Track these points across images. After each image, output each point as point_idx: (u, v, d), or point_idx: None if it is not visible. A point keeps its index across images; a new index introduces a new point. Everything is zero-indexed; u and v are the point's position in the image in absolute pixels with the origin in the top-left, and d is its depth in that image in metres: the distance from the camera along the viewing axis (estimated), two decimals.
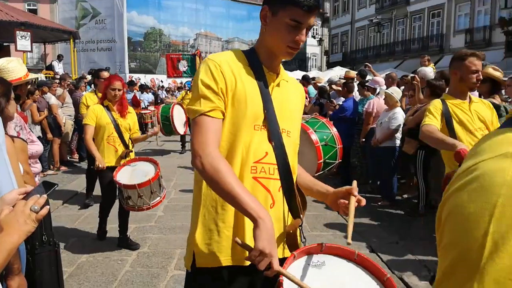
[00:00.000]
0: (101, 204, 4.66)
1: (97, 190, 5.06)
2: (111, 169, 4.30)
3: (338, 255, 1.48)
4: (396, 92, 6.21)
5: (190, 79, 14.18)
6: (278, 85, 1.61)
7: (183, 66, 13.56)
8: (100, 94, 6.19)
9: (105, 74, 6.03)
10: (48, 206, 1.41)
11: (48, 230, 2.53)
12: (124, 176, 4.14)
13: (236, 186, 1.34)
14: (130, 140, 4.56)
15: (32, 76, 3.30)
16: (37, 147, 2.50)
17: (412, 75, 6.98)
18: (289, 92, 1.67)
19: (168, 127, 10.00)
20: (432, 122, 3.24)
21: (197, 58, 12.91)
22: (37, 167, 2.59)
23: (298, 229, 1.59)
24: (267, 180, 1.51)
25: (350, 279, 1.41)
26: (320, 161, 4.67)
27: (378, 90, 7.01)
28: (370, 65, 8.70)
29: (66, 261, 4.14)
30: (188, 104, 1.55)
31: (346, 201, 1.55)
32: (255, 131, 1.50)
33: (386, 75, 7.98)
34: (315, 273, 1.40)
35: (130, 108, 4.66)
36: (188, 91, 10.47)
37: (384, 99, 6.21)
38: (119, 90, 4.39)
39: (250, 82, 1.52)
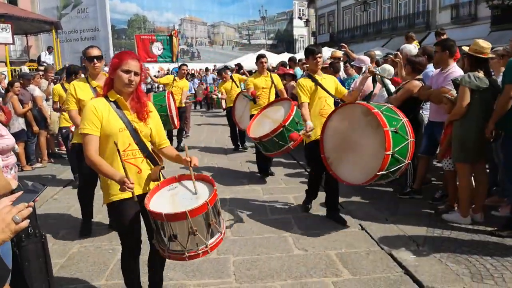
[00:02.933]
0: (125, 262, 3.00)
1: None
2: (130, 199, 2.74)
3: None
4: (384, 70, 6.20)
5: (169, 65, 12.99)
6: None
7: (157, 49, 12.39)
8: (85, 85, 5.61)
9: (95, 51, 4.31)
10: (29, 213, 1.39)
11: (33, 222, 2.51)
12: (162, 204, 2.65)
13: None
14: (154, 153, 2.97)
15: None
16: (7, 141, 2.47)
17: (395, 52, 6.97)
18: None
19: (163, 119, 7.52)
20: None
21: (174, 39, 11.85)
22: (9, 160, 2.56)
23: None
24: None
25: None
26: (388, 152, 3.61)
27: (364, 69, 7.00)
28: (345, 45, 8.67)
29: (58, 253, 4.14)
30: None
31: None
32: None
33: (364, 53, 8.01)
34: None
35: (151, 105, 2.96)
36: (175, 78, 9.68)
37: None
38: (136, 74, 2.69)
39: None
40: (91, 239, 4.50)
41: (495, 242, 4.06)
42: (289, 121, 4.75)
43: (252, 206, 5.46)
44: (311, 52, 4.78)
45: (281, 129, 4.72)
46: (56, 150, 9.50)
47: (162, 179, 2.87)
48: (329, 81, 4.87)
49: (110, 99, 2.71)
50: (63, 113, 6.58)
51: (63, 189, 6.64)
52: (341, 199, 5.55)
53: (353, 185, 4.46)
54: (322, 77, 4.85)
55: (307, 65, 5.45)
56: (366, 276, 3.55)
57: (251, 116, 6.71)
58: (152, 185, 2.80)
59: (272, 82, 7.20)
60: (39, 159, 8.47)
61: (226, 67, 11.81)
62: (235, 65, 16.74)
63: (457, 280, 3.36)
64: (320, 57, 4.76)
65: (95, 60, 4.32)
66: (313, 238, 4.38)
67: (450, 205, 4.90)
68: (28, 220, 1.39)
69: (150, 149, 2.82)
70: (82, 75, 9.86)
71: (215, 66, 24.59)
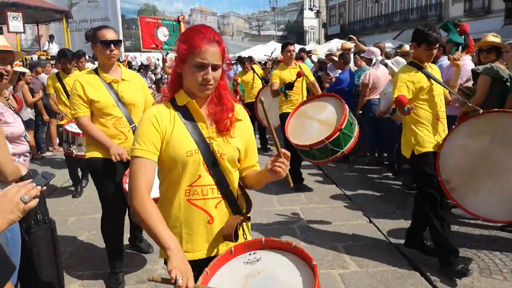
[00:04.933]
0: (105, 225, 3.45)
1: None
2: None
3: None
4: (398, 63, 6.14)
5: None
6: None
7: (162, 34, 10.27)
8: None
9: (111, 33, 3.18)
10: (37, 192, 1.38)
11: (42, 208, 2.55)
12: None
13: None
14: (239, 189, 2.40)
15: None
16: (12, 129, 2.48)
17: (408, 45, 6.89)
18: None
19: None
20: None
21: (182, 25, 10.06)
22: (21, 148, 2.57)
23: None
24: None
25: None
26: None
27: (374, 61, 6.93)
28: (354, 37, 8.56)
29: (66, 241, 4.18)
30: None
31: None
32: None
33: (373, 45, 7.94)
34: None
35: (240, 109, 2.04)
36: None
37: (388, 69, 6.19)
38: (215, 68, 1.77)
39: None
40: (99, 226, 4.53)
41: (504, 237, 4.03)
42: (345, 123, 3.99)
43: (260, 197, 5.47)
44: (425, 37, 3.36)
45: (338, 133, 3.94)
46: (48, 153, 8.52)
47: (242, 238, 1.82)
48: (437, 74, 3.63)
49: (178, 103, 1.76)
50: (60, 106, 5.90)
51: None
52: (348, 192, 5.55)
53: (492, 222, 3.83)
54: (431, 67, 3.61)
55: (411, 52, 4.43)
56: (373, 269, 3.54)
57: (283, 114, 5.61)
58: (223, 246, 1.79)
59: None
60: (49, 147, 8.55)
61: (250, 57, 10.44)
62: (238, 56, 16.53)
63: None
64: (436, 48, 3.45)
65: (111, 46, 3.12)
66: (321, 230, 4.37)
67: None
68: (37, 200, 1.37)
69: (233, 184, 1.81)
70: (89, 65, 8.93)
71: None
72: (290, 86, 5.35)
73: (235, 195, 1.82)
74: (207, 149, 1.72)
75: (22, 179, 2.26)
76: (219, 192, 1.75)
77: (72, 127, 4.66)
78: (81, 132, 4.63)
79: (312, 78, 5.94)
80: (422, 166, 3.46)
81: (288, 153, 1.63)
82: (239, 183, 1.87)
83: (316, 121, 4.39)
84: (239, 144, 1.81)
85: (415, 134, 3.47)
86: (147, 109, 3.12)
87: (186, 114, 1.75)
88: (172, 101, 1.78)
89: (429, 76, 3.46)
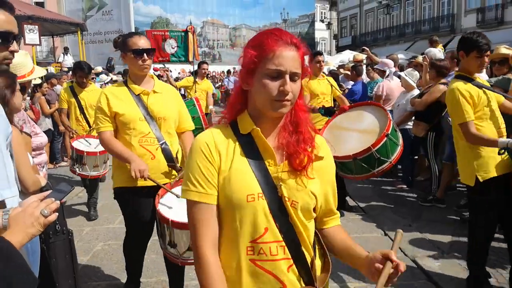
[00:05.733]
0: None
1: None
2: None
3: None
4: (411, 74, 6.13)
5: (189, 66, 10.41)
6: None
7: (170, 47, 9.85)
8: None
9: (143, 40, 2.80)
10: (57, 207, 1.38)
11: (60, 219, 2.56)
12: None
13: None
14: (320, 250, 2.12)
15: (38, 73, 3.21)
16: (41, 139, 2.52)
17: (421, 56, 6.89)
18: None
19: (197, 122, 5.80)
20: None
21: (190, 36, 9.72)
22: (42, 158, 2.62)
23: None
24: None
25: None
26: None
27: (387, 73, 6.93)
28: (367, 48, 8.56)
29: (82, 250, 4.20)
30: None
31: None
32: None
33: (387, 56, 7.94)
34: None
35: (321, 142, 1.53)
36: (196, 80, 8.07)
37: (401, 81, 6.19)
38: (294, 77, 1.30)
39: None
40: (115, 237, 4.57)
41: None
42: (391, 128, 3.64)
43: None
44: (474, 44, 3.04)
45: (385, 139, 3.56)
46: (63, 163, 8.30)
47: None
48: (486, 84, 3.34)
49: (241, 131, 1.36)
50: (72, 123, 5.60)
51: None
52: (362, 204, 5.51)
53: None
54: (480, 79, 3.29)
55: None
56: None
57: None
58: None
59: (331, 86, 5.42)
60: (64, 158, 8.65)
61: None
62: None
63: None
64: (487, 55, 3.12)
65: (144, 55, 2.74)
66: None
67: None
68: (57, 214, 1.37)
69: (306, 242, 1.36)
70: (102, 77, 8.64)
71: (234, 68, 24.72)
72: (330, 112, 4.52)
73: (309, 256, 1.37)
74: (274, 193, 1.30)
75: (41, 190, 2.30)
76: (289, 252, 1.31)
77: (79, 144, 4.71)
78: (85, 150, 4.72)
79: (339, 92, 5.59)
80: (487, 194, 3.02)
81: (403, 268, 1.23)
82: (318, 238, 1.45)
83: (355, 131, 4.01)
84: (317, 189, 1.36)
85: (476, 157, 3.03)
86: (185, 128, 3.02)
87: (250, 145, 1.34)
88: (233, 126, 1.38)
89: (483, 87, 3.12)
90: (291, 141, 1.33)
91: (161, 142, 2.81)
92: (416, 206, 5.43)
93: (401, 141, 3.73)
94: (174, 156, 2.85)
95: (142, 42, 2.76)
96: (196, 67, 8.65)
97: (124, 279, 3.43)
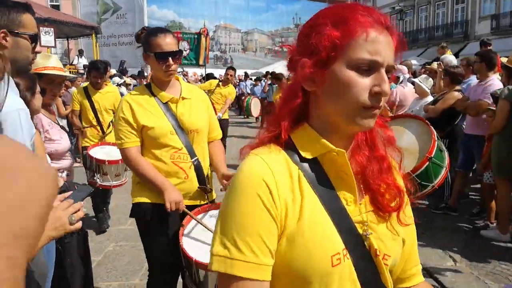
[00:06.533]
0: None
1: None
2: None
3: None
4: (425, 81, 6.10)
5: (196, 68, 10.55)
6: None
7: (183, 49, 9.39)
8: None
9: (169, 40, 2.35)
10: (83, 214, 1.37)
11: None
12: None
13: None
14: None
15: (56, 71, 3.24)
16: (56, 146, 2.52)
17: (436, 63, 6.85)
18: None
19: None
20: None
21: (203, 39, 9.44)
22: (62, 163, 2.63)
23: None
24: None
25: None
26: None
27: (401, 79, 6.90)
28: None
29: (94, 250, 4.23)
30: None
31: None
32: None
33: (400, 62, 7.91)
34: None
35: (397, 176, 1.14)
36: (219, 84, 7.78)
37: (415, 88, 6.17)
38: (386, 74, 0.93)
39: None
40: (127, 238, 4.60)
41: None
42: (435, 150, 3.14)
43: None
44: None
45: (427, 163, 3.10)
46: (76, 164, 8.02)
47: None
48: None
49: (303, 154, 0.91)
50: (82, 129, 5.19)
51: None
52: None
53: None
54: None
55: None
56: None
57: None
58: None
59: None
60: (77, 159, 8.75)
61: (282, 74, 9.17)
62: (266, 72, 16.64)
63: None
64: None
65: (169, 60, 2.33)
66: None
67: (489, 221, 4.74)
68: (81, 222, 1.35)
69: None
70: (115, 79, 8.19)
71: (245, 73, 24.84)
72: None
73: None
74: (360, 246, 0.90)
75: (60, 192, 2.33)
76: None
77: (97, 153, 4.18)
78: (106, 159, 4.06)
79: None
80: None
81: None
82: None
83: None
84: (405, 235, 1.00)
85: None
86: (213, 138, 2.62)
87: (318, 175, 0.90)
88: (288, 148, 0.92)
89: None
90: (374, 168, 0.94)
91: (193, 159, 2.40)
92: (427, 214, 5.39)
93: (447, 161, 3.23)
94: (205, 174, 2.47)
95: (167, 42, 2.32)
96: (207, 71, 8.63)
97: (135, 280, 3.46)
